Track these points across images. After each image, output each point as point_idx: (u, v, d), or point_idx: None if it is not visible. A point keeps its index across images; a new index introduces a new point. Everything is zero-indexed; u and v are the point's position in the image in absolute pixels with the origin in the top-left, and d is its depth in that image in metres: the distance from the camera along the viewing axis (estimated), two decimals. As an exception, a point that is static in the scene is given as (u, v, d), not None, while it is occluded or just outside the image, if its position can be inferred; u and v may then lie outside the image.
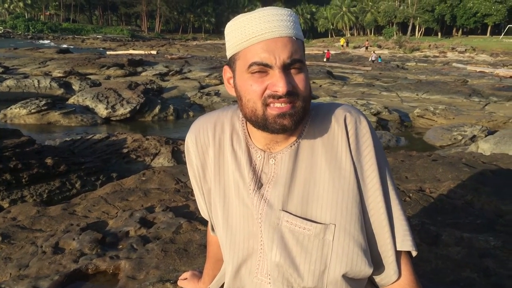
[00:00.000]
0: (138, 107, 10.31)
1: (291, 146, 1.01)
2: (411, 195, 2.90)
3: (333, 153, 1.00)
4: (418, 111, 10.53)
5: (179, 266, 1.99)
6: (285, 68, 0.90)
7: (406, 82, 16.81)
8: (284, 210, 0.98)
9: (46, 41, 48.29)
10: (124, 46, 41.31)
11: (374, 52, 33.77)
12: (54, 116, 9.40)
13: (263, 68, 0.90)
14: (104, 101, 10.26)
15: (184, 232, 2.37)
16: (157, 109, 10.63)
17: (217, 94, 13.29)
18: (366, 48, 44.96)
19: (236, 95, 0.98)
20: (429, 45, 46.84)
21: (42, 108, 9.37)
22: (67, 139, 6.69)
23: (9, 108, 9.40)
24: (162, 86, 13.93)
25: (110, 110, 10.01)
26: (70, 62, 17.99)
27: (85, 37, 58.99)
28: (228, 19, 0.98)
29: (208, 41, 61.48)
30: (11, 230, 2.60)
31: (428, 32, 61.55)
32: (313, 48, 44.34)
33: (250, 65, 0.90)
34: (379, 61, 28.78)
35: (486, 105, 12.40)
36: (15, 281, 1.95)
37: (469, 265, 1.99)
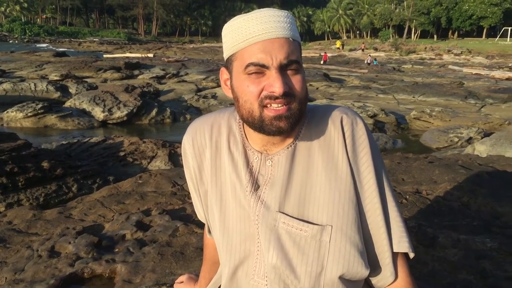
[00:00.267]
0: (135, 110, 10.29)
1: (288, 148, 1.01)
2: (407, 197, 2.91)
3: (329, 154, 1.00)
4: (415, 113, 10.56)
5: (175, 270, 1.98)
6: (282, 69, 0.90)
7: (403, 85, 16.85)
8: (281, 212, 0.98)
9: (44, 45, 48.20)
10: (121, 49, 41.32)
11: (369, 55, 33.84)
12: (51, 119, 9.37)
13: (260, 69, 0.90)
14: (101, 104, 10.23)
15: (181, 235, 2.36)
16: (154, 112, 10.61)
17: (214, 97, 13.29)
18: (362, 50, 45.10)
19: (233, 96, 0.98)
20: (425, 48, 47.03)
21: (39, 111, 9.33)
22: (63, 142, 6.67)
23: (5, 112, 9.37)
24: (159, 89, 13.91)
25: (107, 113, 9.99)
26: (67, 65, 17.96)
27: (81, 40, 58.96)
28: (225, 22, 0.99)
29: (205, 44, 61.48)
30: (7, 234, 2.59)
31: (424, 35, 61.83)
32: (309, 51, 44.43)
33: (247, 66, 0.90)
34: (375, 63, 28.83)
35: (482, 107, 12.45)
36: (11, 285, 1.94)
37: (466, 267, 1.99)
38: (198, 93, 13.90)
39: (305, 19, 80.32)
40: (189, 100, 12.93)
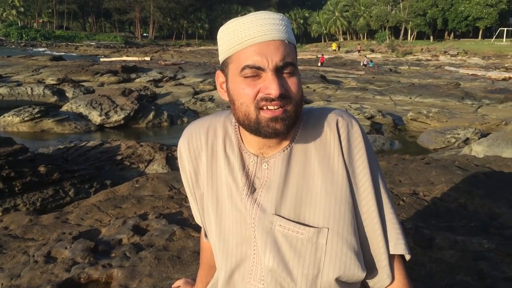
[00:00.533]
0: (132, 114, 10.28)
1: (284, 151, 1.01)
2: (404, 198, 2.91)
3: (325, 157, 1.00)
4: (412, 114, 10.58)
5: (172, 274, 1.97)
6: (278, 71, 0.90)
7: (399, 86, 16.89)
8: (277, 215, 0.98)
9: (41, 49, 48.14)
10: (118, 53, 41.28)
11: (366, 56, 33.91)
12: (48, 123, 9.35)
13: (256, 71, 0.90)
14: (97, 108, 10.22)
15: (178, 239, 2.36)
16: (151, 116, 10.60)
17: (211, 99, 13.29)
18: (359, 51, 45.20)
19: (229, 99, 0.98)
20: (422, 49, 47.19)
21: (36, 116, 9.31)
22: (60, 146, 6.65)
23: (2, 116, 9.34)
24: (156, 92, 13.91)
25: (104, 117, 9.97)
26: (64, 69, 17.93)
27: (78, 44, 58.90)
28: (222, 25, 0.99)
29: (202, 47, 61.60)
30: (3, 240, 2.58)
31: (420, 36, 62.04)
32: (306, 53, 44.52)
33: (243, 69, 0.90)
34: (370, 65, 28.89)
35: (479, 107, 12.49)
36: (7, 291, 1.92)
37: (463, 268, 1.99)
38: (195, 96, 13.90)
39: (301, 21, 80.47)
40: (186, 103, 12.92)
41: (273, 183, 1.00)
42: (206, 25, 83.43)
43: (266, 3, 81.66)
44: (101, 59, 29.02)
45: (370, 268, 1.01)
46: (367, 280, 1.04)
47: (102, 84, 15.85)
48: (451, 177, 3.34)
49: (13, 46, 51.88)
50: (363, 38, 69.50)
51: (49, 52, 42.22)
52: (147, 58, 30.58)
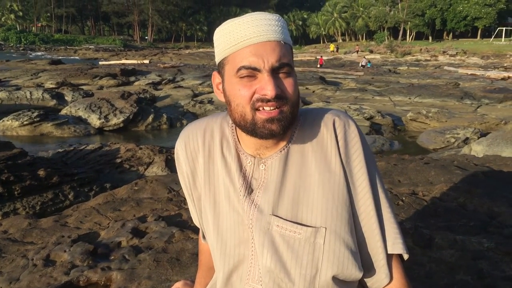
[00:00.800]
0: (131, 117, 10.27)
1: (280, 151, 1.01)
2: (404, 198, 2.90)
3: (322, 157, 1.00)
4: (411, 114, 10.58)
5: (171, 276, 1.97)
6: (274, 72, 0.90)
7: (399, 86, 16.89)
8: (274, 215, 0.98)
9: (40, 53, 48.16)
10: (117, 56, 41.28)
11: (364, 57, 33.94)
12: (47, 127, 9.35)
13: (252, 72, 0.90)
14: (97, 111, 10.22)
15: (177, 241, 2.35)
16: (150, 118, 10.60)
17: (210, 102, 13.28)
18: (357, 52, 45.25)
19: (225, 100, 0.98)
20: (420, 49, 47.24)
21: (35, 119, 9.31)
22: (60, 150, 6.65)
23: (1, 121, 9.33)
24: (155, 95, 13.90)
25: (103, 120, 9.97)
26: (63, 73, 17.91)
27: (77, 47, 58.91)
28: (220, 27, 0.98)
29: (201, 49, 61.59)
30: (2, 243, 2.57)
31: (419, 36, 62.10)
32: (305, 54, 44.49)
33: (239, 69, 0.90)
34: (369, 65, 28.90)
35: (478, 107, 12.49)
36: (6, 295, 1.92)
37: (463, 268, 1.99)
38: (195, 99, 13.89)
39: (300, 22, 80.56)
40: (185, 106, 12.92)
41: (270, 183, 1.00)
42: (204, 28, 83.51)
43: (265, 5, 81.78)
44: (100, 62, 29.03)
45: (368, 267, 1.01)
46: (365, 280, 1.04)
47: (101, 88, 15.84)
48: (450, 177, 3.34)
49: (12, 50, 51.88)
50: (362, 39, 69.57)
51: (48, 56, 42.24)
52: (146, 61, 30.59)
